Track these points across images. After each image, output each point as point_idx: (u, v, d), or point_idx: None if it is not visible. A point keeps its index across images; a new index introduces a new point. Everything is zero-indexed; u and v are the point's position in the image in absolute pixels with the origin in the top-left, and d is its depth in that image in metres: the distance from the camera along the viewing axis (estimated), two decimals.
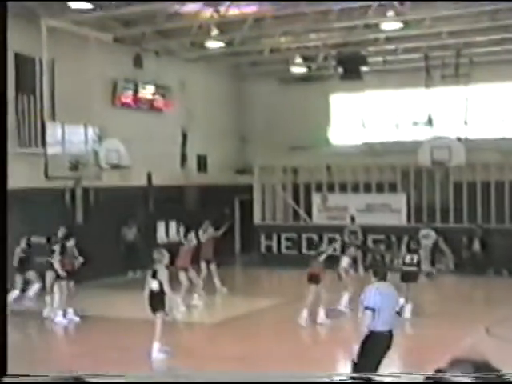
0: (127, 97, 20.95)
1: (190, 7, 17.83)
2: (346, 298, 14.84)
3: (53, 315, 14.25)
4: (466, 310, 15.15)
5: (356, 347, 7.68)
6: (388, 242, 21.91)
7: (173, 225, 22.04)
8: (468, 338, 11.97)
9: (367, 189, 22.91)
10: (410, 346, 12.30)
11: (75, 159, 17.43)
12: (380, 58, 23.13)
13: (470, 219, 21.43)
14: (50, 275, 14.32)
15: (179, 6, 17.59)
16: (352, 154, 23.54)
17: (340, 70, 22.07)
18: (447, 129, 22.64)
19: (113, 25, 18.70)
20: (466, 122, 22.97)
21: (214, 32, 19.02)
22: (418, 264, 14.74)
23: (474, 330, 12.74)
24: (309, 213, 23.60)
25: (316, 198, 23.44)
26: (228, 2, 17.26)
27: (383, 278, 7.97)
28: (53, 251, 14.35)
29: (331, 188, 23.37)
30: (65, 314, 14.18)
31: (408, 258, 14.66)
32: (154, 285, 11.17)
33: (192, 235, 16.02)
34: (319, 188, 23.48)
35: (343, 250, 16.39)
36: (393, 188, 22.60)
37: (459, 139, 21.64)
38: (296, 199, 23.98)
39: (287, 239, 23.57)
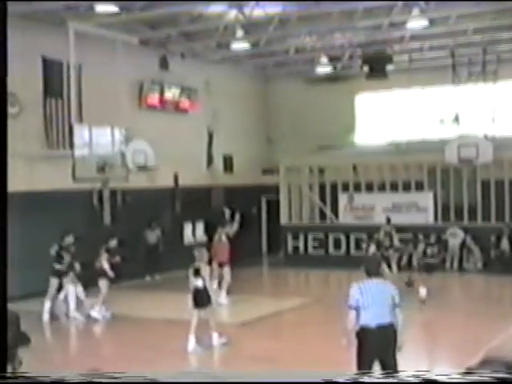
0: (153, 98, 21.11)
1: (215, 9, 17.90)
2: None
3: (97, 313, 14.55)
4: (495, 310, 15.00)
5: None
6: (415, 241, 21.87)
7: (200, 225, 22.17)
8: (498, 337, 11.87)
9: (394, 188, 22.81)
10: (439, 344, 12.25)
11: (102, 161, 17.57)
12: (406, 57, 23.02)
13: (498, 217, 21.25)
14: (103, 280, 14.62)
15: (204, 7, 17.66)
16: (378, 153, 23.44)
17: (366, 69, 21.99)
18: (474, 127, 22.45)
19: (138, 28, 18.83)
20: (493, 120, 22.78)
21: (239, 33, 19.07)
22: (438, 255, 16.30)
23: (504, 329, 12.63)
24: (335, 212, 23.57)
25: (342, 198, 23.39)
26: (253, 3, 17.29)
27: (375, 275, 7.87)
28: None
29: (357, 187, 23.31)
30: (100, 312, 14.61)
31: (429, 251, 15.94)
32: (199, 282, 11.57)
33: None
34: (345, 188, 23.42)
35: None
36: (420, 187, 22.46)
37: (486, 137, 21.47)
38: (322, 199, 23.95)
39: (314, 239, 23.55)
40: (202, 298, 11.62)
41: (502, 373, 3.42)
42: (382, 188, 23.04)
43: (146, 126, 19.84)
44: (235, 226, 16.99)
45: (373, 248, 16.81)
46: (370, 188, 23.16)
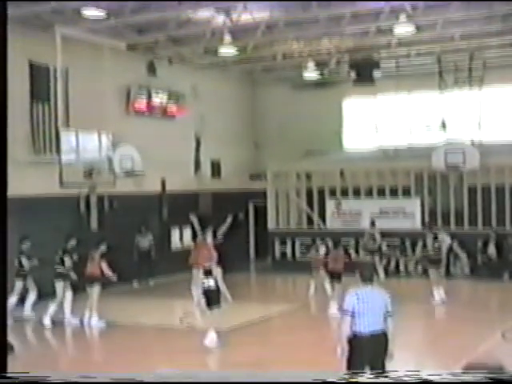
0: (141, 103, 21.05)
1: (203, 14, 17.89)
2: None
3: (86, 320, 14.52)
4: (481, 315, 15.05)
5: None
6: (402, 247, 21.93)
7: (187, 231, 22.09)
8: (483, 343, 11.89)
9: (381, 193, 22.86)
10: (425, 351, 12.26)
11: (89, 166, 17.50)
12: (393, 63, 23.09)
13: (484, 223, 21.34)
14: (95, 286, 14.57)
15: (192, 12, 17.64)
16: (366, 159, 23.50)
17: (353, 74, 22.05)
18: (461, 133, 22.56)
19: (126, 33, 18.78)
20: (479, 126, 22.89)
21: (227, 38, 19.05)
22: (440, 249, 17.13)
23: (489, 334, 12.66)
24: (323, 218, 23.58)
25: (330, 203, 23.41)
26: (240, 8, 17.28)
27: (369, 281, 7.88)
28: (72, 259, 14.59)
29: (345, 193, 23.34)
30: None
31: (436, 246, 16.90)
32: (211, 282, 12.00)
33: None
34: (333, 193, 23.44)
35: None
36: (407, 192, 22.53)
37: (473, 143, 21.57)
38: (310, 204, 23.95)
39: (301, 245, 23.55)
40: (213, 299, 12.02)
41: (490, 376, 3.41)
42: (369, 193, 23.08)
43: (133, 131, 19.79)
44: (224, 228, 16.83)
45: (323, 249, 16.69)
46: (357, 193, 23.19)
